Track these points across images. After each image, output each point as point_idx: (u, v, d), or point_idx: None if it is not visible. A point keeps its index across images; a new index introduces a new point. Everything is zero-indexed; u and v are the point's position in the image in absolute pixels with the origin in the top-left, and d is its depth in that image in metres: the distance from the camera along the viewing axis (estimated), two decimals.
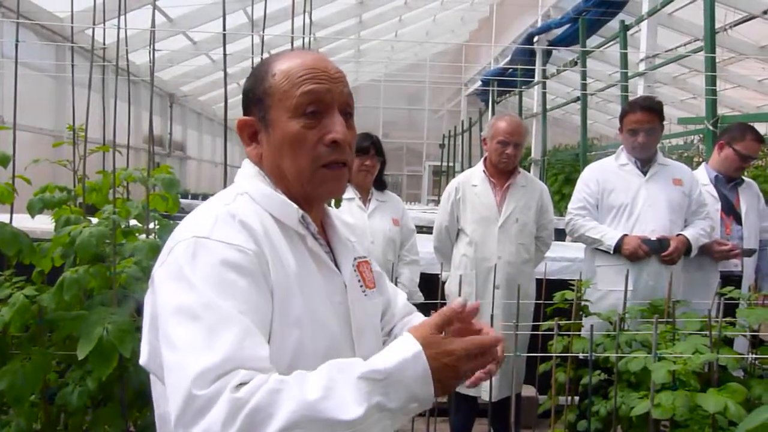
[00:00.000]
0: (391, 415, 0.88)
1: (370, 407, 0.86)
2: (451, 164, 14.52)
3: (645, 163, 3.15)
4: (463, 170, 12.23)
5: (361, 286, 1.18)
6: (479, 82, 14.36)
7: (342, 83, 1.11)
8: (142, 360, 1.04)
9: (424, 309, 2.16)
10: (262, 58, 1.17)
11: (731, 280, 3.13)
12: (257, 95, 1.11)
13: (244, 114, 1.14)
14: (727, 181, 3.35)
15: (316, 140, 1.07)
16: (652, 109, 3.09)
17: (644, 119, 3.07)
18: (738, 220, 3.30)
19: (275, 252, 1.03)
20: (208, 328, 0.89)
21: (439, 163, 16.30)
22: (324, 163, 1.08)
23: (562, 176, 10.11)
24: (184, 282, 0.94)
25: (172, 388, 0.88)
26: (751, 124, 3.56)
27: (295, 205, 1.09)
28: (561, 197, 9.02)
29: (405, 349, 0.91)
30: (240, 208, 1.04)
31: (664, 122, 3.19)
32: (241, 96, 1.17)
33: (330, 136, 1.07)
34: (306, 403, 0.84)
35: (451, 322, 0.97)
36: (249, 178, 1.12)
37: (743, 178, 3.44)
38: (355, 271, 1.18)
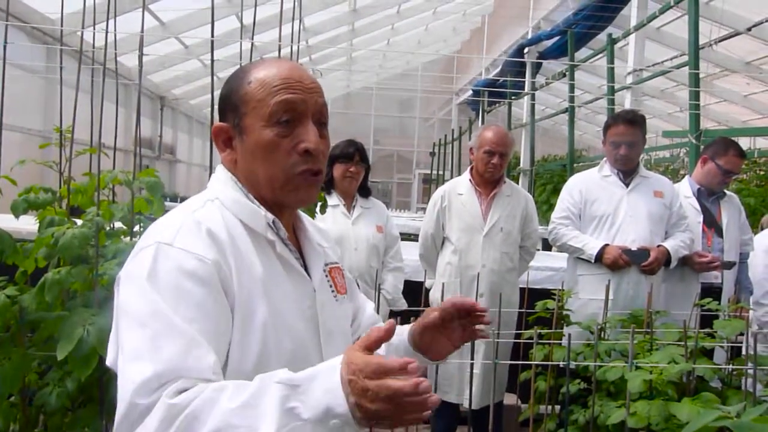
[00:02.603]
0: (310, 427, 0.85)
1: (284, 411, 0.84)
2: (441, 172, 14.55)
3: (627, 174, 3.20)
4: (453, 178, 12.27)
5: (332, 291, 1.19)
6: (470, 92, 14.44)
7: (317, 94, 1.12)
8: (109, 360, 1.05)
9: (408, 316, 2.18)
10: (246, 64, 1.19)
11: (711, 291, 3.18)
12: (233, 102, 1.12)
13: (221, 120, 1.15)
14: (710, 194, 3.40)
15: (289, 149, 1.09)
16: (635, 122, 3.14)
17: (626, 132, 3.13)
18: (719, 232, 3.35)
19: (241, 259, 1.04)
20: (152, 336, 0.91)
21: (429, 171, 16.34)
22: (297, 172, 1.10)
23: (550, 186, 10.18)
24: (139, 288, 0.96)
25: (119, 394, 0.91)
26: (735, 138, 3.61)
27: (263, 212, 1.11)
28: (549, 207, 9.07)
29: (326, 363, 0.89)
30: (207, 215, 1.06)
31: (651, 135, 3.24)
32: None
33: (303, 145, 1.09)
34: (229, 411, 0.85)
35: (378, 343, 0.90)
36: (221, 184, 1.14)
37: (725, 191, 3.50)
38: (326, 276, 1.19)
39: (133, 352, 0.91)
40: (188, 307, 0.95)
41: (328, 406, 0.84)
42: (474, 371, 2.98)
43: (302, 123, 1.10)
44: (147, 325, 0.92)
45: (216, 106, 1.21)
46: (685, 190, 3.40)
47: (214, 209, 1.08)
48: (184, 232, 1.02)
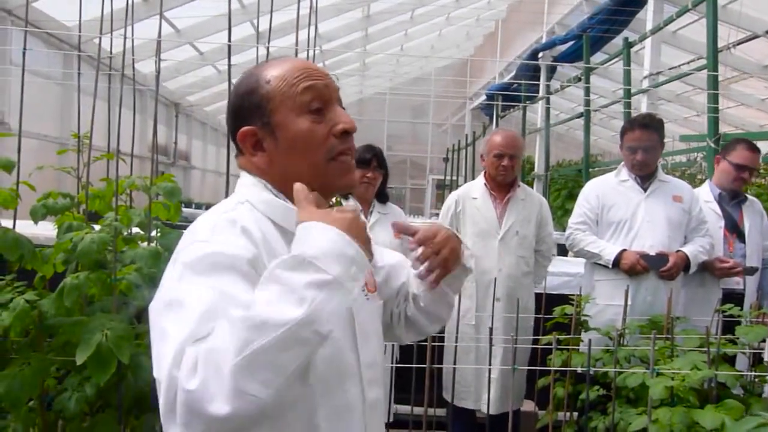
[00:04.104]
0: (337, 287, 0.88)
1: (305, 286, 0.86)
2: (454, 178, 14.53)
3: (645, 179, 3.17)
4: (466, 183, 12.23)
5: (363, 290, 1.17)
6: (484, 97, 14.41)
7: (332, 79, 1.15)
8: (155, 371, 1.03)
9: None
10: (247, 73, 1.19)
11: (733, 297, 3.13)
12: (253, 104, 1.12)
13: (235, 128, 1.14)
14: (731, 198, 3.35)
15: (326, 133, 1.11)
16: (651, 126, 3.11)
17: (643, 137, 3.10)
18: (741, 237, 3.30)
19: (275, 259, 1.02)
20: (187, 313, 0.88)
21: (442, 177, 16.32)
22: (336, 154, 1.11)
23: (564, 191, 10.13)
24: (178, 281, 0.95)
25: (159, 378, 0.87)
26: (754, 142, 3.56)
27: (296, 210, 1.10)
28: (564, 212, 9.02)
29: (306, 230, 0.94)
30: (240, 215, 1.05)
31: (668, 139, 3.20)
32: None
33: (340, 126, 1.11)
34: (247, 318, 0.83)
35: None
36: (249, 187, 1.13)
37: (747, 195, 3.45)
38: None
39: (172, 334, 0.87)
40: (222, 280, 0.92)
41: (341, 252, 0.91)
42: (491, 376, 2.96)
43: (330, 107, 1.12)
44: (183, 304, 0.89)
45: (228, 119, 1.18)
46: (705, 194, 3.36)
47: (246, 210, 1.08)
48: (219, 229, 1.01)
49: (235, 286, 0.92)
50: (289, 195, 1.11)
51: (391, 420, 2.82)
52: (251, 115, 1.12)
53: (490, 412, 2.97)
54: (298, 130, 1.10)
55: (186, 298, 0.91)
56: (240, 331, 0.82)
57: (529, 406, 3.47)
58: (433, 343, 2.43)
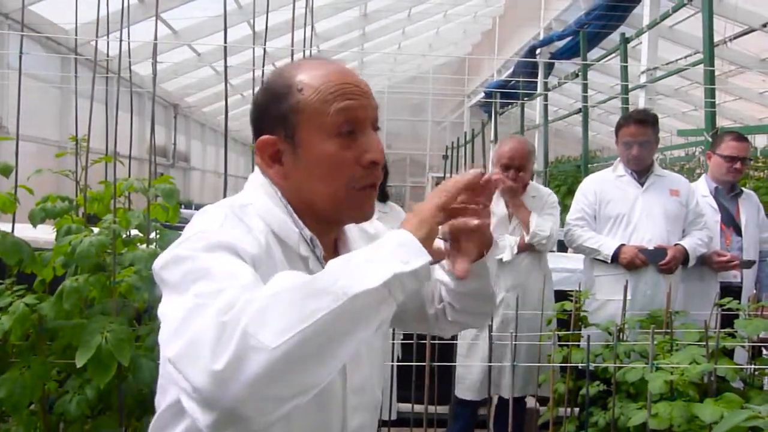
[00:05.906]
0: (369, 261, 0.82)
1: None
2: (454, 175, 14.54)
3: (642, 174, 3.18)
4: None
5: None
6: (482, 94, 14.42)
7: (371, 97, 1.05)
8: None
9: None
10: (264, 71, 1.14)
11: (731, 290, 3.14)
12: (281, 112, 1.01)
13: (257, 132, 1.04)
14: (727, 192, 3.36)
15: (352, 162, 1.00)
16: (646, 122, 3.12)
17: (638, 132, 3.11)
18: (738, 231, 3.31)
19: (274, 269, 0.95)
20: (218, 275, 0.84)
21: (442, 174, 16.33)
22: (359, 187, 1.01)
23: (564, 188, 10.11)
24: (188, 260, 0.88)
25: (189, 334, 0.78)
26: (751, 135, 3.58)
27: (296, 228, 1.02)
28: (563, 208, 9.00)
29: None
30: (246, 216, 0.99)
31: (666, 134, 3.21)
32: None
33: (368, 156, 1.00)
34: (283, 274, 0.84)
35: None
36: (256, 190, 1.05)
37: (743, 189, 3.45)
38: None
39: (200, 296, 0.81)
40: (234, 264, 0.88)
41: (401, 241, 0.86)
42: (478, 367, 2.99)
43: (363, 131, 1.01)
44: (209, 271, 0.84)
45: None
46: (702, 189, 3.36)
47: (251, 214, 1.00)
48: (228, 223, 0.94)
49: (244, 268, 0.88)
50: (297, 208, 1.03)
51: (394, 418, 2.83)
52: (275, 124, 1.02)
53: (473, 398, 3.08)
54: (322, 153, 0.99)
55: (206, 270, 0.85)
56: (275, 281, 0.81)
57: (530, 402, 3.47)
58: (433, 341, 2.44)
